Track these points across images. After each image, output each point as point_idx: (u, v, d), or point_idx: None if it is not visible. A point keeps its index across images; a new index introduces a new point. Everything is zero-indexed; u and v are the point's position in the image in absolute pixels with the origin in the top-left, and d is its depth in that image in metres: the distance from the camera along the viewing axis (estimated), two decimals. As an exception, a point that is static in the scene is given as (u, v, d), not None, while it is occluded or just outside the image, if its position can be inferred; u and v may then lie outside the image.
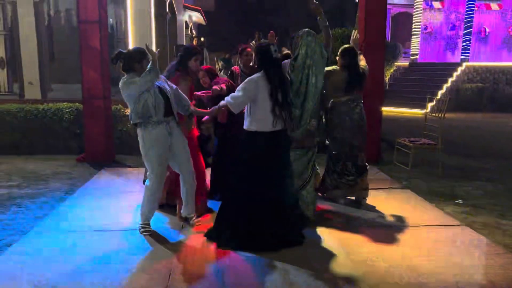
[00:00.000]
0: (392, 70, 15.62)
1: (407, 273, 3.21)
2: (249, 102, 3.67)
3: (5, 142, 7.04)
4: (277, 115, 3.59)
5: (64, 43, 11.94)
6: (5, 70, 9.71)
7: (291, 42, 4.08)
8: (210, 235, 3.77)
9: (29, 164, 6.37)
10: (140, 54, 3.78)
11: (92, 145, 6.61)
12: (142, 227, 3.89)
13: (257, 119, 3.64)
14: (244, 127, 3.73)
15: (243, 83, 3.71)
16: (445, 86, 15.59)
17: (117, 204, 4.64)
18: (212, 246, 3.62)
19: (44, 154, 6.95)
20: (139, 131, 3.79)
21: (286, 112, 3.65)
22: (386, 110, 10.95)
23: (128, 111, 7.41)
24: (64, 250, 3.51)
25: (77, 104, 7.22)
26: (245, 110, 3.75)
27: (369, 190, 4.76)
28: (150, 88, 3.68)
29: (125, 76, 3.75)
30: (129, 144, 7.06)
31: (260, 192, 3.64)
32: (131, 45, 9.10)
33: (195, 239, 3.80)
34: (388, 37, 17.54)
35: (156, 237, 3.81)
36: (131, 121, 3.80)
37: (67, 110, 7.19)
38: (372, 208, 4.64)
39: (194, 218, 4.11)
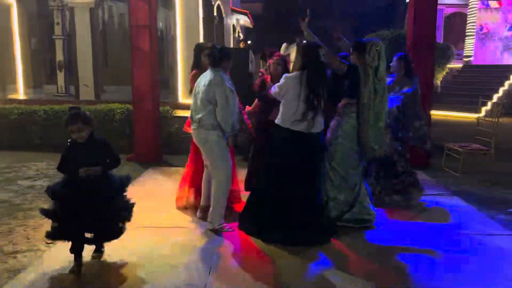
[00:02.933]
0: (444, 73, 15.04)
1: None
2: (281, 98, 3.78)
3: (61, 140, 7.40)
4: (308, 119, 3.61)
5: (117, 47, 12.47)
6: (63, 72, 10.29)
7: (358, 46, 3.96)
8: (241, 224, 3.93)
9: (82, 162, 6.69)
10: (229, 54, 3.97)
11: (141, 145, 6.86)
12: (221, 227, 3.96)
13: (286, 115, 3.69)
14: (276, 121, 3.81)
15: (282, 80, 3.78)
16: (501, 90, 14.82)
17: (161, 202, 4.78)
18: (251, 244, 3.68)
19: (96, 152, 7.27)
20: (214, 134, 3.86)
21: (319, 117, 3.67)
22: (436, 114, 10.58)
23: (176, 113, 7.67)
24: (111, 244, 3.65)
25: (128, 105, 7.51)
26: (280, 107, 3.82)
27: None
28: None
29: (219, 73, 3.85)
30: (176, 145, 7.26)
31: (285, 187, 3.69)
32: (179, 49, 9.36)
33: (233, 236, 3.87)
34: (440, 39, 16.93)
35: (197, 235, 3.91)
36: (203, 124, 3.96)
37: (118, 111, 7.49)
38: (414, 216, 4.50)
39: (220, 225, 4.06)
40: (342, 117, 4.01)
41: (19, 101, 9.11)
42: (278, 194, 3.72)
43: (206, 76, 3.90)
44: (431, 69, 6.53)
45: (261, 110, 4.64)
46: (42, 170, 6.16)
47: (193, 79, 4.36)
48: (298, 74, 3.68)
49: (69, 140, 3.26)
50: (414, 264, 3.40)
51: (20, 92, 10.35)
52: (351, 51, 4.05)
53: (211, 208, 4.02)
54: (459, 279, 3.15)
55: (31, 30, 11.06)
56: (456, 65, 17.12)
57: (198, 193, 4.48)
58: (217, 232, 3.95)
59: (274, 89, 3.84)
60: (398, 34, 9.33)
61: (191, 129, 4.23)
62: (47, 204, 4.71)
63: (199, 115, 3.92)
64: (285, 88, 3.69)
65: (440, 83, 15.20)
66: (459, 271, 3.29)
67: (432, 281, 3.13)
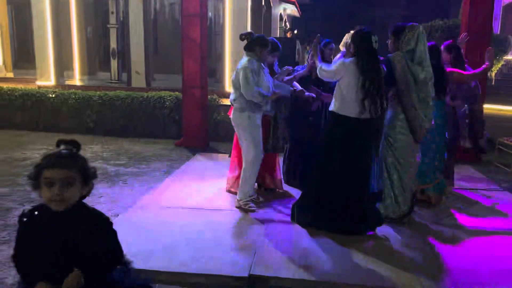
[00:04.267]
0: (499, 65, 14.38)
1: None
2: (333, 81, 3.83)
3: (115, 125, 7.82)
4: (365, 106, 3.61)
5: (168, 36, 12.81)
6: (116, 60, 10.73)
7: (394, 31, 3.91)
8: (293, 215, 3.99)
9: (134, 146, 7.03)
10: (266, 42, 4.11)
11: (189, 131, 7.09)
12: (245, 203, 4.23)
13: (343, 103, 3.71)
14: (330, 108, 3.84)
15: (336, 63, 3.79)
16: None
17: (208, 186, 4.96)
18: (297, 231, 3.77)
19: (147, 137, 7.60)
20: (244, 114, 4.08)
21: (376, 105, 3.64)
22: (490, 107, 10.18)
23: (222, 101, 7.85)
24: (161, 224, 3.87)
25: (177, 93, 7.76)
26: (335, 92, 3.82)
27: (464, 191, 4.68)
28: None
29: (248, 58, 4.05)
30: (222, 132, 7.45)
31: (341, 174, 3.72)
32: (227, 38, 9.52)
33: (280, 218, 4.01)
34: (497, 30, 16.14)
35: (243, 218, 4.05)
36: (233, 103, 4.21)
37: (168, 98, 7.76)
38: (463, 209, 4.43)
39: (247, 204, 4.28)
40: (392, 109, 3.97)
41: (76, 87, 9.61)
42: (334, 182, 3.75)
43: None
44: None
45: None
46: (98, 153, 6.52)
47: None
48: (353, 60, 3.68)
49: (28, 209, 1.89)
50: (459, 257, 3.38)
51: (76, 79, 10.89)
52: (389, 36, 4.00)
53: (239, 185, 4.28)
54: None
55: (87, 19, 11.56)
56: (513, 57, 16.30)
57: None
58: (242, 209, 4.20)
59: (328, 68, 3.82)
60: (451, 24, 9.00)
61: None
62: (104, 183, 5.04)
63: (231, 98, 4.23)
64: (341, 73, 3.70)
65: (495, 75, 14.53)
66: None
67: (477, 275, 3.11)
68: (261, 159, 4.23)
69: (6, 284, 2.94)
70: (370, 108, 3.61)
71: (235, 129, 4.27)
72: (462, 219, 4.19)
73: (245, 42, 4.19)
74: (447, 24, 8.90)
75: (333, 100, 3.80)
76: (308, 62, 4.57)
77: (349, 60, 3.71)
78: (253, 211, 4.19)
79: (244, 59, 4.09)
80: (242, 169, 4.26)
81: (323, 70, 3.84)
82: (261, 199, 4.49)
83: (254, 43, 4.09)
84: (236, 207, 4.27)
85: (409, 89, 3.80)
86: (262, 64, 4.17)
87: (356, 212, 3.75)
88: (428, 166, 4.37)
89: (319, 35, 4.23)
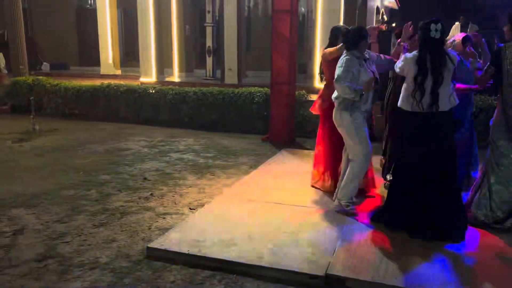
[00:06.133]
0: None
1: None
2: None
3: (207, 120, 8.17)
4: (417, 100, 3.43)
5: (260, 33, 13.02)
6: (211, 57, 11.18)
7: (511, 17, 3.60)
8: (376, 218, 3.83)
9: (223, 140, 7.27)
10: (363, 32, 3.94)
11: (276, 127, 7.15)
12: (347, 204, 4.02)
13: (405, 98, 3.56)
14: (398, 104, 3.68)
15: (401, 58, 3.68)
16: None
17: (292, 181, 4.96)
18: (378, 233, 3.62)
19: (236, 132, 7.82)
20: (346, 113, 3.93)
21: (431, 98, 3.41)
22: None
23: (312, 97, 7.79)
24: (243, 216, 3.97)
25: (266, 89, 7.86)
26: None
27: None
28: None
29: (346, 56, 3.92)
30: (308, 128, 7.39)
31: (419, 176, 3.53)
32: (318, 34, 9.39)
33: (363, 223, 3.85)
34: None
35: (326, 216, 3.99)
36: (335, 102, 4.07)
37: (257, 94, 7.90)
38: None
39: (348, 206, 4.07)
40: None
41: (174, 83, 10.20)
42: (416, 183, 3.57)
43: None
44: None
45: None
46: (190, 145, 6.86)
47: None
48: (415, 54, 3.52)
49: None
50: None
51: (175, 75, 11.55)
52: (506, 23, 3.63)
53: (341, 186, 4.07)
54: None
55: (186, 19, 12.19)
56: None
57: (333, 176, 4.54)
58: (342, 211, 4.00)
59: (398, 64, 3.72)
60: None
61: (317, 111, 4.51)
62: (193, 174, 5.30)
63: (333, 96, 4.05)
64: (405, 69, 3.56)
65: None
66: None
67: None
68: (370, 159, 4.05)
69: (100, 263, 3.24)
70: (421, 101, 3.42)
71: (338, 128, 4.07)
72: None
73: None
74: None
75: (400, 95, 3.65)
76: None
77: (412, 53, 3.54)
78: (354, 214, 3.97)
79: (343, 58, 3.91)
80: (348, 170, 4.04)
81: (396, 67, 3.73)
82: (354, 199, 4.17)
83: (354, 38, 3.89)
84: (335, 208, 4.09)
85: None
86: (365, 57, 3.97)
87: (445, 215, 3.51)
88: None
89: (410, 22, 4.03)
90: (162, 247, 3.31)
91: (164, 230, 3.73)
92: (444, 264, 3.12)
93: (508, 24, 3.60)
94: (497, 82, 3.63)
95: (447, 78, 3.47)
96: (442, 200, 3.52)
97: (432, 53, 3.44)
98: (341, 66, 3.84)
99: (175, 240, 3.45)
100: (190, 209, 4.23)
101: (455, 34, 6.45)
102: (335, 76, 3.84)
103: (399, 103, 3.65)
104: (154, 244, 3.38)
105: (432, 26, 3.43)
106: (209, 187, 4.89)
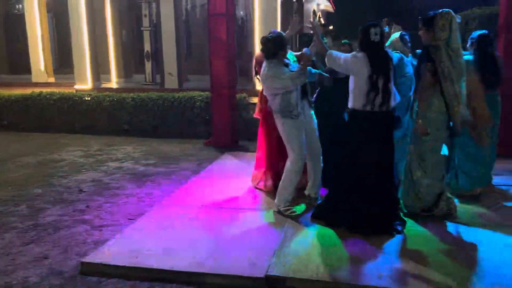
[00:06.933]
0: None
1: None
2: (343, 72, 3.73)
3: (147, 126, 7.97)
4: (371, 99, 3.53)
5: (200, 36, 12.94)
6: (150, 62, 10.95)
7: (426, 21, 3.74)
8: (317, 215, 3.89)
9: (164, 146, 7.12)
10: (282, 40, 3.87)
11: (218, 131, 7.10)
12: (286, 209, 4.02)
13: (357, 98, 3.62)
14: (349, 105, 3.74)
15: (349, 56, 3.69)
16: None
17: (234, 184, 4.94)
18: (320, 230, 3.68)
19: (177, 137, 7.68)
20: (278, 120, 3.95)
21: (382, 97, 3.54)
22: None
23: (254, 100, 7.82)
24: (183, 223, 3.88)
25: (207, 93, 7.79)
26: (349, 87, 3.73)
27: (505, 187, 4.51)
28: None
29: (269, 64, 3.86)
30: (251, 131, 7.40)
31: (363, 173, 3.63)
32: (257, 37, 9.48)
33: (303, 218, 3.92)
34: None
35: (267, 216, 4.01)
36: (271, 110, 4.00)
37: (198, 99, 7.81)
38: (499, 206, 4.19)
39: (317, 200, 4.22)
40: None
41: (111, 90, 9.88)
42: (357, 181, 3.67)
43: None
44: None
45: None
46: (129, 153, 6.65)
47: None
48: (362, 55, 3.61)
49: None
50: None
51: (113, 81, 11.20)
52: (419, 27, 3.82)
53: (277, 192, 4.09)
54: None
55: (122, 22, 11.87)
56: None
57: (274, 177, 4.57)
58: (283, 214, 4.02)
59: (340, 57, 3.69)
60: (490, 13, 8.51)
61: (257, 115, 4.57)
62: (132, 183, 5.14)
63: (269, 102, 4.08)
64: (354, 68, 3.61)
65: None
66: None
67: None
68: (302, 166, 4.03)
69: (30, 283, 3.04)
70: (375, 100, 3.53)
71: None
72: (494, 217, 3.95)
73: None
74: (486, 12, 8.43)
75: (349, 96, 3.71)
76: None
77: (359, 54, 3.63)
78: (295, 215, 3.98)
79: (265, 69, 3.88)
80: (283, 174, 4.06)
81: (335, 58, 3.70)
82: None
83: (274, 47, 3.86)
84: (276, 211, 4.10)
85: (452, 80, 3.62)
86: (285, 63, 3.97)
87: (383, 209, 3.65)
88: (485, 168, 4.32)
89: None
90: (97, 261, 3.17)
91: (101, 243, 3.57)
92: (382, 257, 3.22)
93: (423, 28, 3.77)
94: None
95: (392, 77, 3.63)
96: (381, 196, 3.65)
97: (375, 55, 3.56)
98: (273, 77, 3.80)
99: (111, 252, 3.31)
100: (129, 219, 4.09)
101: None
102: (277, 84, 3.82)
103: (351, 104, 3.69)
104: (88, 259, 3.23)
105: (372, 30, 3.56)
106: (149, 196, 4.76)
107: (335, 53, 3.75)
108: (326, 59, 3.78)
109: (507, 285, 2.82)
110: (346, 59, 3.65)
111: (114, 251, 3.33)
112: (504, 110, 4.51)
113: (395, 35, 4.61)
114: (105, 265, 3.14)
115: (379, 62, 3.56)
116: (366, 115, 3.60)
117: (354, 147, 3.70)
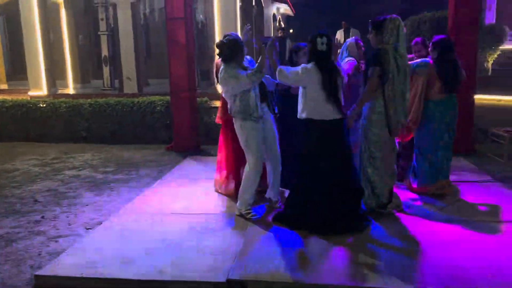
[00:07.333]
0: (495, 56, 14.22)
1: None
2: (294, 85, 3.80)
3: (106, 133, 7.77)
4: (332, 103, 3.60)
5: (160, 40, 12.77)
6: (108, 67, 10.70)
7: (376, 24, 3.86)
8: (278, 218, 3.91)
9: (124, 152, 6.98)
10: (238, 44, 3.85)
11: (179, 135, 7.03)
12: (247, 212, 4.02)
13: (310, 108, 3.67)
14: (298, 116, 3.78)
15: (298, 69, 3.72)
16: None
17: (196, 189, 4.89)
18: (281, 232, 3.70)
19: (138, 143, 7.55)
20: (237, 122, 3.93)
21: (333, 106, 3.63)
22: (486, 98, 10.08)
23: (215, 103, 7.79)
24: (143, 231, 3.81)
25: (168, 97, 7.70)
26: (299, 99, 3.76)
27: (457, 183, 4.69)
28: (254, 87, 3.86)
29: (227, 67, 3.83)
30: (213, 135, 7.37)
31: (321, 178, 3.69)
32: (217, 40, 9.46)
33: (264, 220, 3.93)
34: (493, 19, 15.99)
35: (229, 220, 3.99)
36: (231, 114, 3.97)
37: (159, 103, 7.70)
38: (456, 201, 4.35)
39: (277, 202, 4.25)
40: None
41: (68, 96, 9.58)
42: (316, 184, 3.72)
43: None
44: (474, 51, 6.18)
45: None
46: (87, 161, 6.47)
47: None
48: (312, 64, 3.66)
49: None
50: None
51: (70, 87, 10.87)
52: (369, 30, 3.94)
53: (239, 193, 4.09)
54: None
55: (78, 27, 11.55)
56: (510, 47, 16.09)
57: (236, 180, 4.55)
58: (244, 217, 4.01)
59: (290, 71, 3.72)
60: (440, 16, 8.87)
61: (218, 120, 4.54)
62: (90, 192, 5.00)
63: (228, 106, 4.06)
64: (304, 79, 3.65)
65: (491, 66, 14.37)
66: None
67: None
68: (261, 169, 4.02)
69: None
70: (335, 104, 3.61)
71: None
72: (451, 211, 4.11)
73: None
74: (436, 16, 8.78)
75: (301, 107, 3.75)
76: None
77: (308, 65, 3.68)
78: (256, 219, 3.98)
79: (222, 72, 3.85)
80: (243, 178, 4.06)
81: (285, 74, 3.71)
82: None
83: (230, 51, 3.83)
84: (237, 215, 4.10)
85: (394, 82, 3.76)
86: (243, 66, 3.96)
87: (343, 210, 3.71)
88: (441, 163, 4.43)
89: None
90: (52, 273, 3.06)
91: (56, 254, 3.45)
92: (342, 255, 3.28)
93: (373, 31, 3.88)
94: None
95: (341, 85, 3.72)
96: (340, 197, 3.71)
97: (323, 64, 3.62)
98: (230, 77, 3.78)
99: (67, 263, 3.21)
100: (86, 229, 3.97)
101: (342, 39, 6.91)
102: (235, 85, 3.80)
103: (303, 114, 3.71)
104: (43, 271, 3.10)
105: (318, 40, 3.61)
106: (108, 204, 4.64)
107: (285, 68, 3.78)
108: (276, 75, 3.78)
109: (461, 277, 2.93)
110: (297, 72, 3.69)
111: (70, 263, 3.22)
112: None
113: (350, 40, 4.73)
114: (60, 277, 3.03)
115: (327, 71, 3.63)
116: (320, 124, 3.66)
117: (311, 153, 3.75)
